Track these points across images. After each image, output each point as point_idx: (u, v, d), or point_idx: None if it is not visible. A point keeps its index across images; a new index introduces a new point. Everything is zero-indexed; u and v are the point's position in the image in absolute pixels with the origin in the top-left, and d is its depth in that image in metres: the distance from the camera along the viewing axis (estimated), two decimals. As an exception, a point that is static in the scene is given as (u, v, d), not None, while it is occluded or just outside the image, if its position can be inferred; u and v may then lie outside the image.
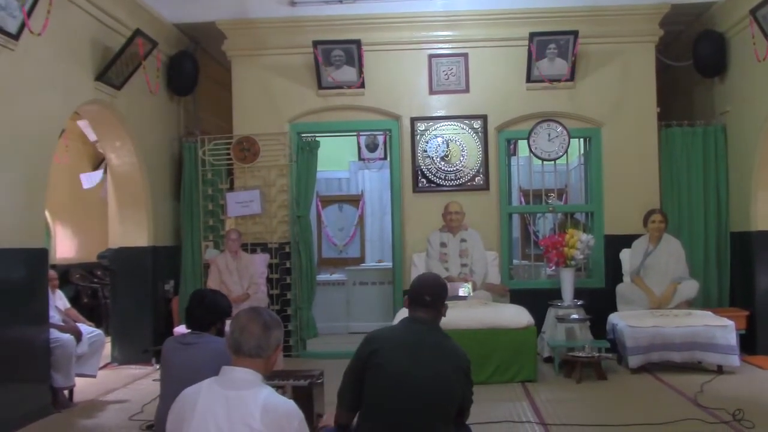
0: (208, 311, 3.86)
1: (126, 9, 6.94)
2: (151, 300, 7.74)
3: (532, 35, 7.58)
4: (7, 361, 5.05)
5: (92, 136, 7.89)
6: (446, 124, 7.93)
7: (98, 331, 6.40)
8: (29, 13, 5.13)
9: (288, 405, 2.39)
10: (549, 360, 6.85)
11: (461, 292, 6.83)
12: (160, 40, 7.39)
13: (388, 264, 9.14)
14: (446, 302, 3.17)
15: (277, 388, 2.62)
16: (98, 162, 10.57)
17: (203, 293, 3.98)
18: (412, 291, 3.10)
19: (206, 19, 7.83)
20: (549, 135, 7.74)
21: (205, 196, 8.02)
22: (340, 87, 7.86)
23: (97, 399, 6.12)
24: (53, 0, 5.42)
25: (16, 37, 5.13)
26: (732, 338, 6.27)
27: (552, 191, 8.39)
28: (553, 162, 7.97)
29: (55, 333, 5.72)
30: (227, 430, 2.31)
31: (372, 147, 11.05)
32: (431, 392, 2.83)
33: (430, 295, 3.06)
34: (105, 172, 8.47)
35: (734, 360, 6.25)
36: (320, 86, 7.88)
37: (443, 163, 7.91)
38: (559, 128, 7.71)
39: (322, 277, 9.54)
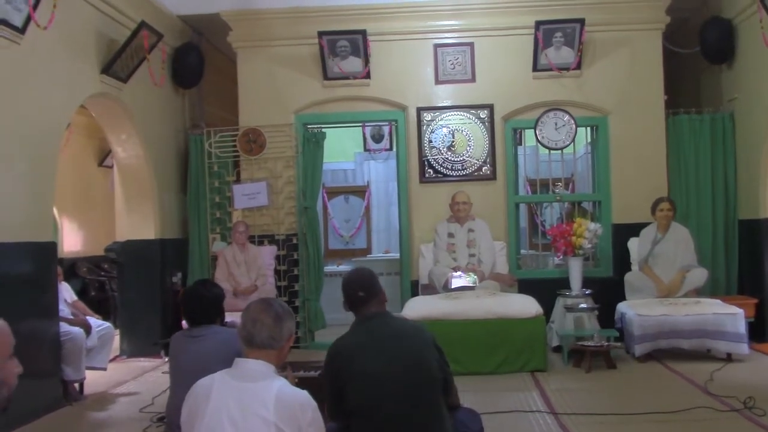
0: (212, 307, 3.85)
1: (130, 1, 6.92)
2: (159, 293, 7.75)
3: (538, 24, 7.54)
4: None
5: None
6: (452, 113, 7.91)
7: (107, 324, 6.42)
8: (35, 7, 5.12)
9: (301, 395, 2.39)
10: (558, 349, 6.84)
11: (461, 283, 6.82)
12: (165, 32, 7.36)
13: (395, 254, 9.14)
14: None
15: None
16: (104, 155, 10.59)
17: (199, 293, 3.88)
18: (345, 295, 3.06)
19: (211, 11, 7.81)
20: (556, 124, 7.70)
21: (212, 189, 8.02)
22: (346, 77, 7.83)
23: (107, 392, 6.14)
24: (59, -7, 5.42)
25: (21, 30, 5.11)
26: (741, 326, 6.25)
27: (559, 180, 8.36)
28: (560, 151, 7.94)
29: (65, 326, 5.74)
30: (240, 422, 2.30)
31: (377, 138, 11.04)
32: (414, 378, 2.84)
33: (363, 290, 3.02)
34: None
35: (743, 348, 6.23)
36: (326, 77, 7.86)
37: (450, 153, 7.89)
38: (566, 117, 7.68)
39: (329, 268, 9.54)
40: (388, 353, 2.86)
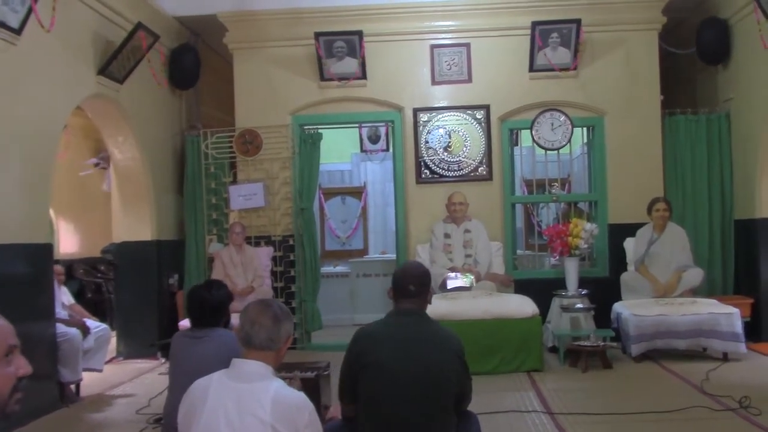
0: (215, 311, 3.84)
1: (127, 2, 6.91)
2: (156, 294, 7.75)
3: (535, 24, 7.55)
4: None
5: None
6: (449, 114, 7.91)
7: (104, 326, 6.41)
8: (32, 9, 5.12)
9: (298, 397, 2.39)
10: (554, 350, 6.86)
11: (457, 284, 6.83)
12: (162, 33, 7.35)
13: (392, 255, 9.14)
14: (433, 288, 3.18)
15: (285, 379, 2.62)
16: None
17: (202, 297, 3.85)
18: (396, 282, 3.07)
19: (207, 12, 7.80)
20: (552, 124, 7.72)
21: (209, 190, 8.01)
22: (342, 78, 7.83)
23: (103, 393, 6.13)
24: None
25: (18, 32, 5.11)
26: (737, 325, 6.27)
27: (555, 181, 8.37)
28: (556, 151, 7.96)
29: (61, 328, 5.73)
30: (237, 423, 2.31)
31: (374, 138, 11.05)
32: (427, 384, 2.84)
33: (414, 285, 3.03)
34: (108, 164, 8.49)
35: (740, 347, 6.25)
36: (322, 78, 7.86)
37: (446, 153, 7.89)
38: (562, 117, 7.69)
39: (325, 269, 9.54)
40: (409, 352, 2.87)
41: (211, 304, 3.82)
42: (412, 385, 2.82)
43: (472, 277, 6.93)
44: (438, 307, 6.39)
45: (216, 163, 8.01)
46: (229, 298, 3.98)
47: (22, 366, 1.75)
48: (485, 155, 7.87)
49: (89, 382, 6.17)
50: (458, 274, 6.94)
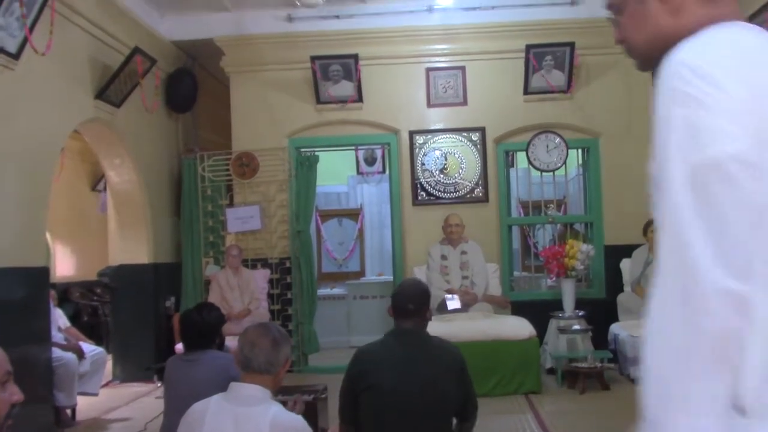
0: (207, 333, 3.84)
1: (124, 27, 6.97)
2: (152, 317, 7.72)
3: (529, 47, 7.62)
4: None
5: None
6: (445, 136, 7.96)
7: (100, 350, 6.39)
8: (31, 29, 5.15)
9: (297, 421, 2.40)
10: (552, 371, 6.84)
11: (456, 305, 6.84)
12: (159, 57, 7.41)
13: (389, 277, 9.13)
14: (431, 308, 3.20)
15: (284, 403, 2.62)
16: (97, 180, 10.59)
17: (193, 320, 3.84)
18: (395, 301, 3.10)
19: (204, 36, 7.86)
20: (547, 146, 7.76)
21: (205, 213, 8.02)
22: (339, 101, 7.88)
23: (99, 417, 6.09)
24: (54, 20, 5.46)
25: (16, 56, 5.15)
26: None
27: (551, 202, 8.41)
28: (551, 173, 8.00)
29: (57, 352, 5.71)
30: (235, 447, 2.30)
31: (370, 161, 11.10)
32: (428, 402, 2.85)
33: (413, 303, 3.06)
34: (104, 189, 8.52)
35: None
36: (318, 101, 7.91)
37: (442, 175, 7.93)
38: (557, 139, 7.74)
39: (322, 291, 9.52)
40: (408, 372, 2.88)
41: (201, 327, 3.82)
42: (413, 405, 2.82)
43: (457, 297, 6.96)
44: (435, 329, 6.32)
45: (213, 186, 8.03)
46: (220, 320, 3.97)
47: (15, 393, 1.76)
48: (481, 177, 7.90)
49: (85, 406, 6.14)
50: (455, 296, 6.94)
